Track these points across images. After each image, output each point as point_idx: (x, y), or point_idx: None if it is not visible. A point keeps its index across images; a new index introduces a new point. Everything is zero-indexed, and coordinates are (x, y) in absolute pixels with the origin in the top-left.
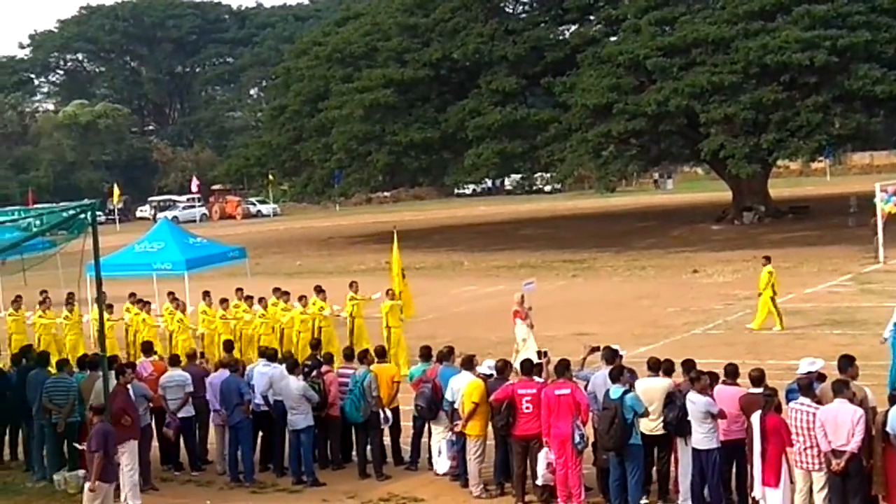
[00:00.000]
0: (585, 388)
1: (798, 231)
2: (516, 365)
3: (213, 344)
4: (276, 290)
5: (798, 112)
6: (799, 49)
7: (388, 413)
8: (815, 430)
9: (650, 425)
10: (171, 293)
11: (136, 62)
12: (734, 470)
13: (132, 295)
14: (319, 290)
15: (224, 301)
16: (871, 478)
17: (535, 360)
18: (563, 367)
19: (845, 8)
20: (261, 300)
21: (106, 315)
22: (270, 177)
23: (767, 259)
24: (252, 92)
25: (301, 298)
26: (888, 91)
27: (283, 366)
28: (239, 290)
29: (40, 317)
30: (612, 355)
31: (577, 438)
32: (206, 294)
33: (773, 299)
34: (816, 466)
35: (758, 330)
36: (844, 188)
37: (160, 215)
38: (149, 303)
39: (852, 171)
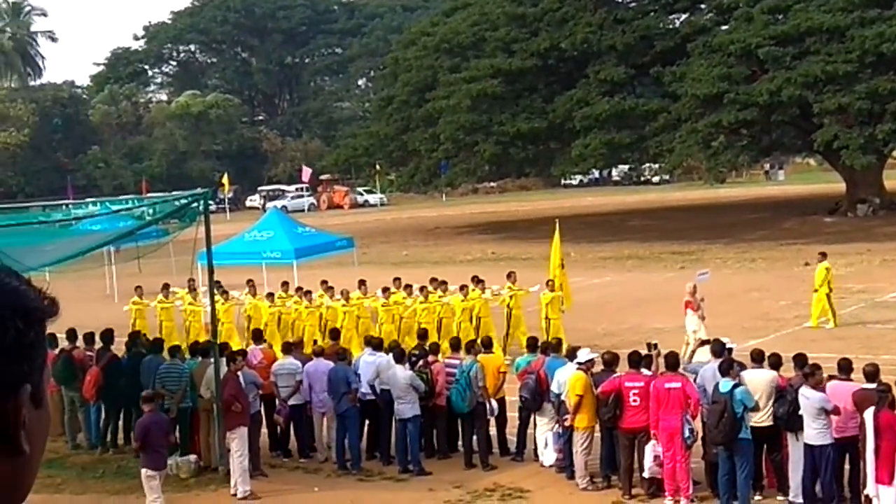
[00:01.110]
0: (694, 380)
1: None
2: (685, 358)
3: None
4: (432, 279)
5: None
6: None
7: (494, 404)
8: None
9: (756, 417)
10: (249, 280)
11: (247, 53)
12: (847, 466)
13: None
14: (478, 281)
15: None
16: None
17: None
18: (674, 360)
19: None
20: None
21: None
22: (378, 167)
23: (823, 255)
24: (360, 82)
25: (462, 288)
26: None
27: (391, 355)
28: (397, 279)
29: (191, 304)
30: (721, 348)
31: (687, 433)
32: (362, 282)
33: (828, 296)
34: None
35: (816, 328)
36: None
37: (269, 205)
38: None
39: None
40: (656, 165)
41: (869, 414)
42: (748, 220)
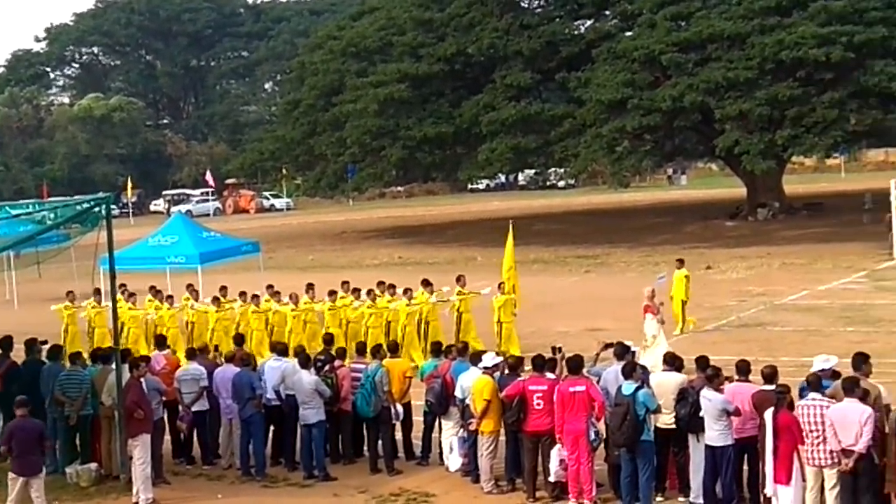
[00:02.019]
0: (597, 383)
1: (812, 228)
2: (641, 361)
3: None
4: (380, 283)
5: (813, 108)
6: (815, 45)
7: (400, 408)
8: (826, 428)
9: (666, 419)
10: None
11: (152, 56)
12: (746, 467)
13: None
14: (427, 283)
15: (332, 293)
16: (883, 475)
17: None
18: (577, 364)
19: (862, 4)
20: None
21: (128, 307)
22: (284, 171)
23: (681, 262)
24: (267, 86)
25: (406, 292)
26: None
27: (296, 360)
28: (345, 282)
29: (130, 308)
30: (624, 351)
31: (592, 435)
32: (310, 286)
33: (683, 304)
34: (828, 463)
35: (682, 334)
36: (859, 185)
37: (174, 209)
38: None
39: (867, 167)
40: (562, 170)
41: (768, 415)
42: (652, 225)
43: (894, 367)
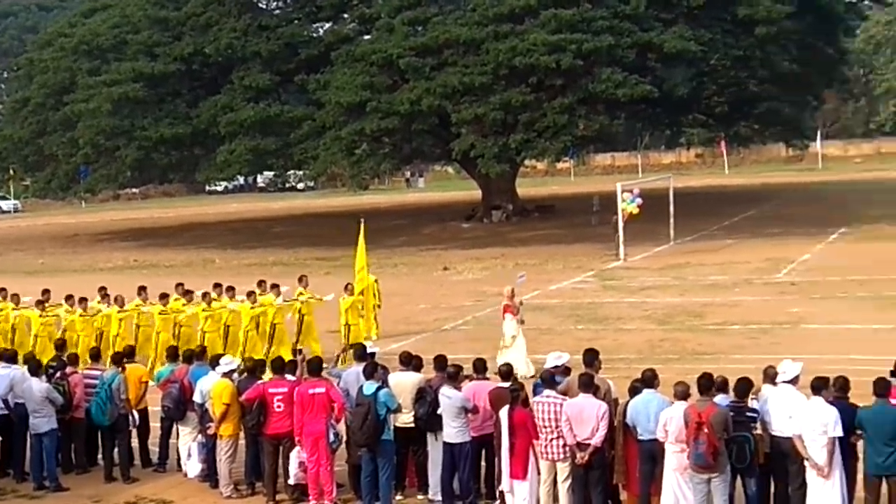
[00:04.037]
0: (338, 385)
1: (544, 229)
2: (500, 361)
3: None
4: (216, 285)
5: (545, 113)
6: (546, 52)
7: (136, 414)
8: (561, 423)
9: (405, 419)
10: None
11: None
12: (483, 463)
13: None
14: (274, 286)
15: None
16: (612, 467)
17: (521, 359)
18: (317, 365)
19: (590, 13)
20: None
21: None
22: (12, 171)
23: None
24: None
25: (250, 294)
26: (629, 94)
27: (25, 367)
28: (179, 284)
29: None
30: (363, 352)
31: (332, 437)
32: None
33: (376, 308)
34: (561, 457)
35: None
36: (588, 188)
37: None
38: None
39: (595, 171)
40: (301, 172)
41: (504, 412)
42: (390, 227)
43: (621, 363)
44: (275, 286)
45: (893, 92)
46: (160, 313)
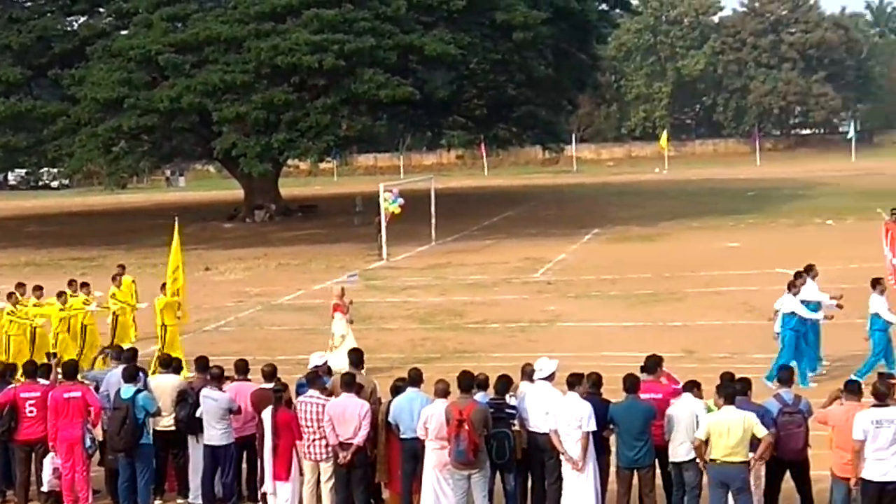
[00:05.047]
0: (97, 388)
1: (307, 229)
2: (330, 361)
3: None
4: (19, 285)
5: (308, 113)
6: (308, 51)
7: None
8: (324, 423)
9: (165, 422)
10: None
11: None
12: (245, 465)
13: None
14: (84, 285)
15: None
16: (374, 466)
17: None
18: (72, 369)
19: (352, 14)
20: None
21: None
22: None
23: (122, 268)
24: None
25: (60, 295)
26: (391, 95)
27: None
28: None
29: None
30: (119, 353)
31: (88, 442)
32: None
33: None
34: (324, 457)
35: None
36: (351, 188)
37: None
38: None
39: (358, 171)
40: (55, 170)
41: (267, 413)
42: (149, 226)
43: (383, 363)
44: (84, 285)
45: (643, 97)
46: None
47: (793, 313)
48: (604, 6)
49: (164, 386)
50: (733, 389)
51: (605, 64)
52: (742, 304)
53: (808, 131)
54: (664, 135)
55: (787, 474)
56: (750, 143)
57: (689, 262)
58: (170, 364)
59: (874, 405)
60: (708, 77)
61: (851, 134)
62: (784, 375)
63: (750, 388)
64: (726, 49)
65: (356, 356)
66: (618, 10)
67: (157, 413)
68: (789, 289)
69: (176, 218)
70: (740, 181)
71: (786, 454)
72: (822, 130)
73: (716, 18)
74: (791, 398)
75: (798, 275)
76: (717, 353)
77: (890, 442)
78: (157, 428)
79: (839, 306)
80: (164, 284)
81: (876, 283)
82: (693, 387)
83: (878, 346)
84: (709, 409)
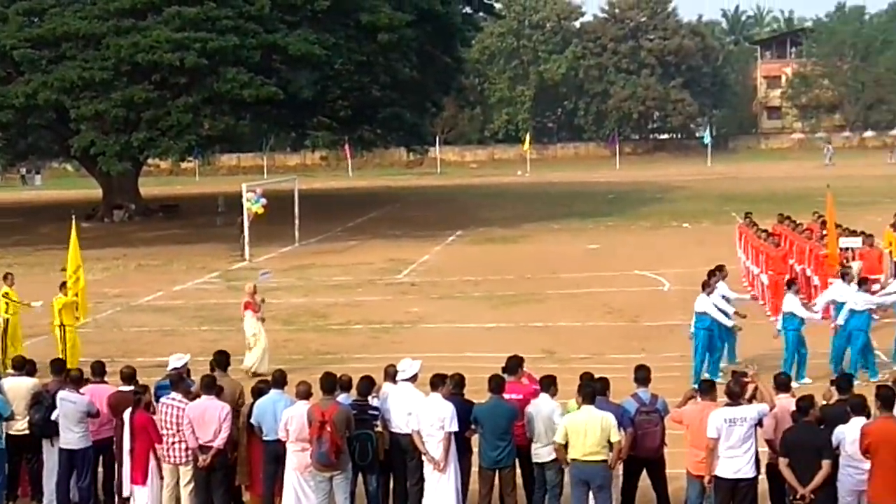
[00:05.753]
0: None
1: (168, 229)
2: (247, 361)
3: None
4: None
5: (169, 112)
6: (170, 49)
7: None
8: (183, 426)
9: (19, 426)
10: None
11: None
12: (101, 469)
13: None
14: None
15: None
16: (235, 468)
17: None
18: None
19: (215, 12)
20: None
21: None
22: None
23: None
24: None
25: None
26: (255, 95)
27: None
28: None
29: None
30: None
31: None
32: None
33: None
34: (183, 460)
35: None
36: (213, 188)
37: None
38: None
39: (220, 171)
40: None
41: (126, 416)
42: (3, 226)
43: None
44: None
45: (506, 101)
46: None
47: (705, 313)
48: (468, 9)
49: (17, 388)
50: (593, 389)
51: (468, 67)
52: (602, 306)
53: (666, 136)
54: (527, 138)
55: (644, 472)
56: (610, 146)
57: (551, 264)
58: (23, 366)
59: (727, 404)
60: (569, 81)
61: (707, 139)
62: (641, 375)
63: (608, 387)
64: (587, 54)
65: (222, 358)
66: (481, 14)
67: (11, 417)
68: (703, 289)
69: (73, 216)
70: (601, 184)
71: (642, 452)
72: (679, 135)
73: (577, 24)
74: (648, 397)
75: (711, 274)
76: (576, 353)
77: (742, 440)
78: (10, 432)
79: (753, 297)
80: (63, 284)
81: (790, 283)
82: (550, 384)
83: (791, 346)
84: (568, 410)
